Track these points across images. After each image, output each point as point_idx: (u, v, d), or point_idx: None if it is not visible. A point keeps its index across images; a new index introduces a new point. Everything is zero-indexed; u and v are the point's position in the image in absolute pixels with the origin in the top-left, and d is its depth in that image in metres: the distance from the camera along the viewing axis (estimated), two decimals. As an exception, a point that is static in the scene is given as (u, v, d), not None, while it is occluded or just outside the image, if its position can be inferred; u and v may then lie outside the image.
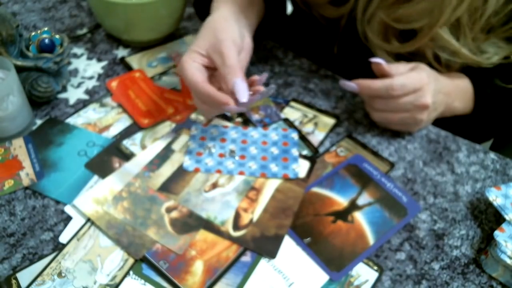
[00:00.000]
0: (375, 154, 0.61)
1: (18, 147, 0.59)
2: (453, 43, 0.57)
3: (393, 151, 0.61)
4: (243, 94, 0.50)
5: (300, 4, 0.69)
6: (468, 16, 0.55)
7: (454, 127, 0.65)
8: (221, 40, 0.52)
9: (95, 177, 0.56)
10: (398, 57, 0.62)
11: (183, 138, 0.60)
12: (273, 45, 0.76)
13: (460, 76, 0.63)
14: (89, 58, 0.73)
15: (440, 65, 0.61)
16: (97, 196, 0.53)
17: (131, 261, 0.49)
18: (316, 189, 0.56)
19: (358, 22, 0.62)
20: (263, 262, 0.49)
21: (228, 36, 0.53)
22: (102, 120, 0.63)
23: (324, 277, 0.49)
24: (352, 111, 0.66)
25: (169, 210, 0.53)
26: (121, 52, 0.74)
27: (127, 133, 0.61)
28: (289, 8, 0.84)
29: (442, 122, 0.64)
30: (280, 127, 0.63)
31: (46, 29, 0.65)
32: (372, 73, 0.59)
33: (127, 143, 0.60)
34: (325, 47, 0.73)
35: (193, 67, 0.53)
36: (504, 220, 0.50)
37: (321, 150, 0.61)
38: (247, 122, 0.63)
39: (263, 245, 0.50)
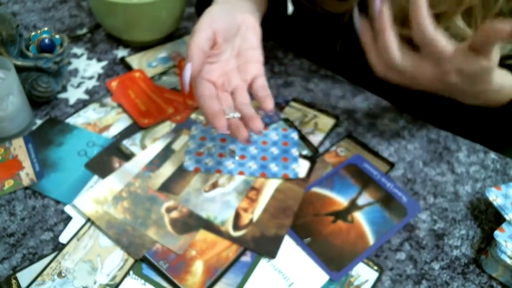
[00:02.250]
0: (375, 154, 0.61)
1: (18, 147, 0.59)
2: (466, 30, 0.55)
3: (393, 151, 0.61)
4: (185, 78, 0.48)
5: (304, 0, 0.69)
6: (482, 3, 0.53)
7: (454, 127, 0.65)
8: (188, 46, 0.50)
9: (95, 177, 0.56)
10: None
11: (183, 138, 0.60)
12: (273, 45, 0.76)
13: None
14: (89, 58, 0.73)
15: None
16: (97, 196, 0.53)
17: (131, 261, 0.49)
18: (316, 189, 0.56)
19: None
20: (263, 262, 0.49)
21: (194, 41, 0.50)
22: (102, 120, 0.63)
23: (324, 277, 0.49)
24: (352, 111, 0.66)
25: (169, 210, 0.53)
26: (121, 52, 0.74)
27: (127, 133, 0.61)
28: (290, 8, 0.84)
29: (442, 122, 0.64)
30: (280, 127, 0.63)
31: (46, 29, 0.65)
32: (374, 72, 0.58)
33: (127, 143, 0.60)
34: (327, 46, 0.73)
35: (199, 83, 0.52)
36: (504, 220, 0.50)
37: (321, 150, 0.61)
38: (247, 122, 0.63)
39: (263, 245, 0.50)
